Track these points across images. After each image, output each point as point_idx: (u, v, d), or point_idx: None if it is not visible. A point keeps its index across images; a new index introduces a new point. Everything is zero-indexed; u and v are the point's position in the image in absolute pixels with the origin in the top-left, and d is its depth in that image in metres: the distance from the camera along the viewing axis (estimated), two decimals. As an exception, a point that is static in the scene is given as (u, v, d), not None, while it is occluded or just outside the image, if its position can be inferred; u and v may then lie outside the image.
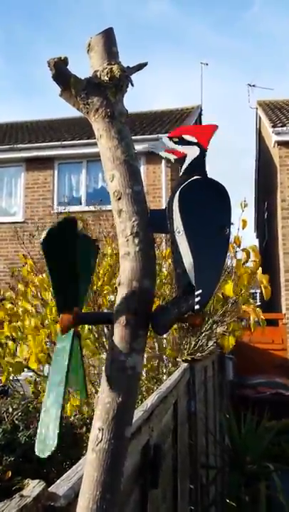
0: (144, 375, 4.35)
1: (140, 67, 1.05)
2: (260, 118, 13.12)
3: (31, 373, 4.25)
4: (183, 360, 3.89)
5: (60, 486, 1.17)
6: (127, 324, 0.90)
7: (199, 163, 0.97)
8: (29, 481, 0.98)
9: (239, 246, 4.58)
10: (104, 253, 4.44)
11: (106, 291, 4.24)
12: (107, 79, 0.96)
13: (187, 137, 0.98)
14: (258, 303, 12.85)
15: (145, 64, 1.05)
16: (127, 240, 0.92)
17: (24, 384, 4.47)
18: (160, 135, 9.91)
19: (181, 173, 0.98)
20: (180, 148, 0.98)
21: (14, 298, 4.54)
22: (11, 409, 3.72)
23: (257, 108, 13.30)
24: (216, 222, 0.94)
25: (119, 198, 0.94)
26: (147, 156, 10.04)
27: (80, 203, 10.89)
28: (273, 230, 11.72)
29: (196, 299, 0.90)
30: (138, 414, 1.80)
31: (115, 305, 0.93)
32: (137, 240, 0.92)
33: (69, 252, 0.89)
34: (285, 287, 9.83)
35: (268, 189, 13.24)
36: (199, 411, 4.06)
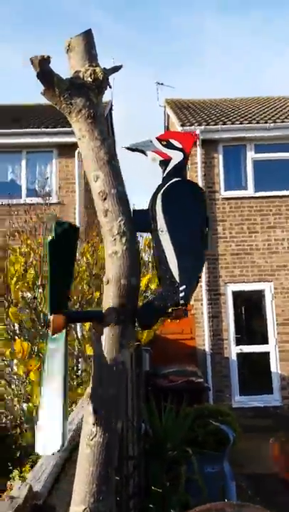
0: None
1: (115, 69, 1.07)
2: (168, 116, 13.44)
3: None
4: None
5: (33, 486, 1.17)
6: (116, 321, 0.93)
7: (181, 166, 1.02)
8: (12, 482, 0.98)
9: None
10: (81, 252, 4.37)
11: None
12: (91, 80, 0.97)
13: (174, 142, 1.03)
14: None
15: (120, 66, 1.08)
16: (114, 239, 0.94)
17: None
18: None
19: (164, 175, 1.02)
20: (167, 151, 1.03)
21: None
22: None
23: (165, 106, 13.61)
24: (196, 221, 1.00)
25: (105, 199, 0.96)
26: (60, 150, 9.80)
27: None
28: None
29: (181, 294, 0.96)
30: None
31: (103, 302, 0.95)
32: (124, 239, 0.94)
33: (69, 255, 0.91)
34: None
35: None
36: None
